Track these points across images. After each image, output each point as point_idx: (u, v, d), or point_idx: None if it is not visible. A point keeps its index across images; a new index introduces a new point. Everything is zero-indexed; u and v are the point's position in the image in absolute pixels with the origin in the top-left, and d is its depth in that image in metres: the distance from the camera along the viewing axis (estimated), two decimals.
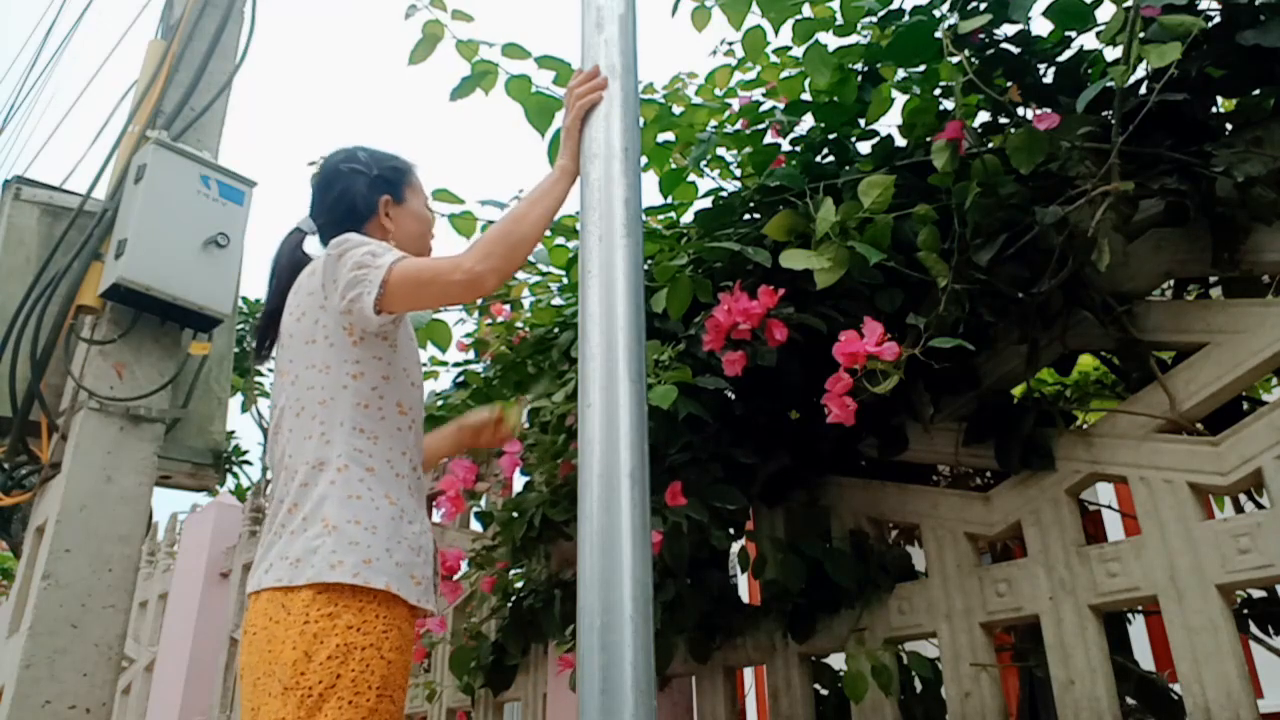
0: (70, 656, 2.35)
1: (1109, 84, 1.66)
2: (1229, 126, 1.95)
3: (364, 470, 1.42)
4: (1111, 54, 1.83)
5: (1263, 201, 1.77)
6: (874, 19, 2.18)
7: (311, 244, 1.66)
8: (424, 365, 2.85)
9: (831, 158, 2.30)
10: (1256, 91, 1.91)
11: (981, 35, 1.98)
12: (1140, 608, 2.14)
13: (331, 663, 1.28)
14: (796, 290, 2.01)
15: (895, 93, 2.20)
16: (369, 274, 1.41)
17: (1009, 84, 1.98)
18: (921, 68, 2.16)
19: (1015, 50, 2.02)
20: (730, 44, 2.66)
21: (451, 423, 1.89)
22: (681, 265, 2.12)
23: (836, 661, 2.32)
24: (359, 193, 1.62)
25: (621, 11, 1.53)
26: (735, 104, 2.61)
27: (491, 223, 2.63)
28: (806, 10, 2.23)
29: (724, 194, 2.46)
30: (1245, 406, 2.11)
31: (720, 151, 2.51)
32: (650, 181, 2.52)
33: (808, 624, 2.27)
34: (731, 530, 2.33)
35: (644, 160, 2.50)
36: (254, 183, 2.82)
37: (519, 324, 2.72)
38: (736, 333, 1.95)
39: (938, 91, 2.18)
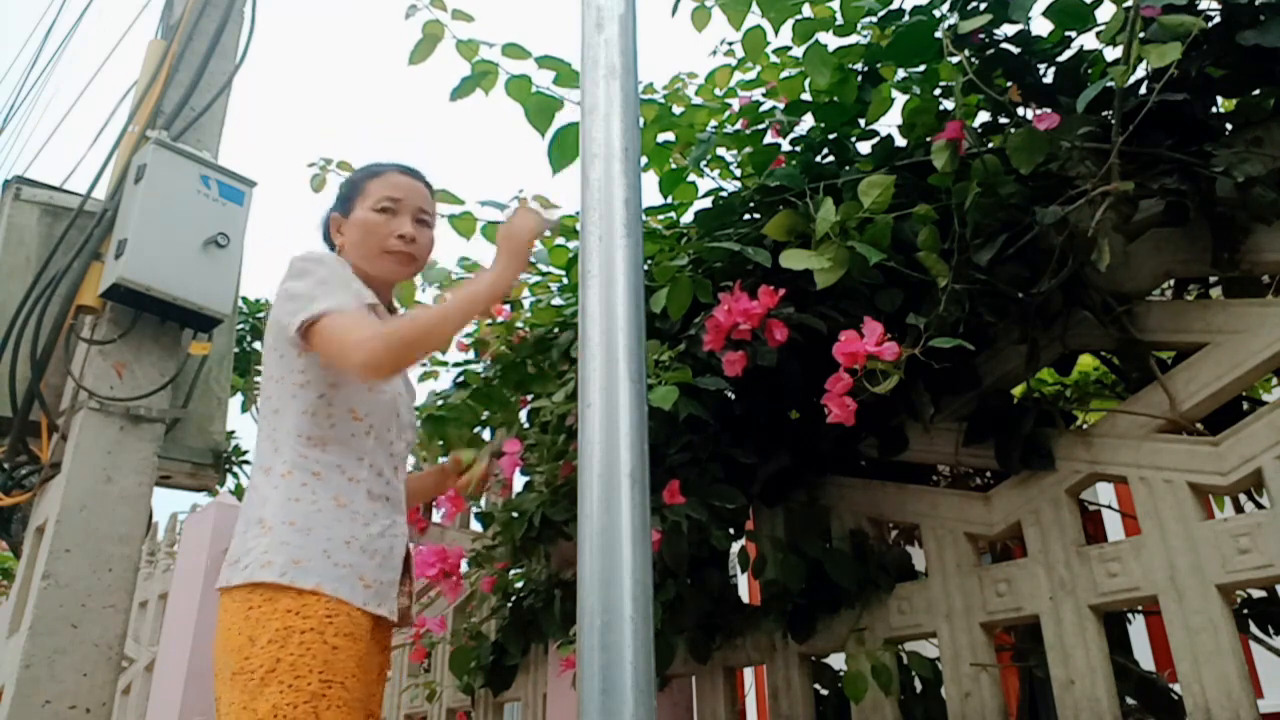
0: (70, 656, 2.35)
1: (1109, 84, 1.66)
2: (1229, 126, 1.95)
3: (309, 475, 1.46)
4: (1111, 54, 1.83)
5: (1263, 201, 1.77)
6: (874, 19, 2.18)
7: None
8: (424, 365, 2.87)
9: (831, 158, 2.30)
10: (1256, 91, 1.91)
11: (981, 35, 1.98)
12: (1140, 608, 2.14)
13: (272, 646, 1.30)
14: (796, 290, 2.01)
15: (895, 93, 2.20)
16: (300, 305, 1.48)
17: (1009, 84, 1.98)
18: (921, 68, 2.16)
19: (1015, 50, 2.02)
20: (730, 44, 2.66)
21: (435, 466, 1.92)
22: (681, 265, 2.12)
23: (836, 661, 2.32)
24: (325, 218, 1.72)
25: (621, 11, 1.53)
26: (735, 104, 2.61)
27: (491, 223, 2.64)
28: (806, 10, 2.23)
29: (724, 194, 2.45)
30: (1245, 406, 2.11)
31: (720, 151, 2.51)
32: (650, 181, 2.52)
33: (808, 624, 2.27)
34: (731, 530, 2.33)
35: (644, 160, 2.50)
36: (254, 183, 2.82)
37: (519, 324, 2.72)
38: (736, 333, 1.95)
39: (938, 91, 2.18)
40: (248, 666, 1.30)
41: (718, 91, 2.71)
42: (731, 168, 2.55)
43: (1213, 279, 2.19)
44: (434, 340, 1.46)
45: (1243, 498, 2.26)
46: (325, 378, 1.51)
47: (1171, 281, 2.19)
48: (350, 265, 1.61)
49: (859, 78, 2.24)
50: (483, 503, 3.40)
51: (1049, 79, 2.04)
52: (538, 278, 2.79)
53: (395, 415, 1.59)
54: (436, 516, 3.60)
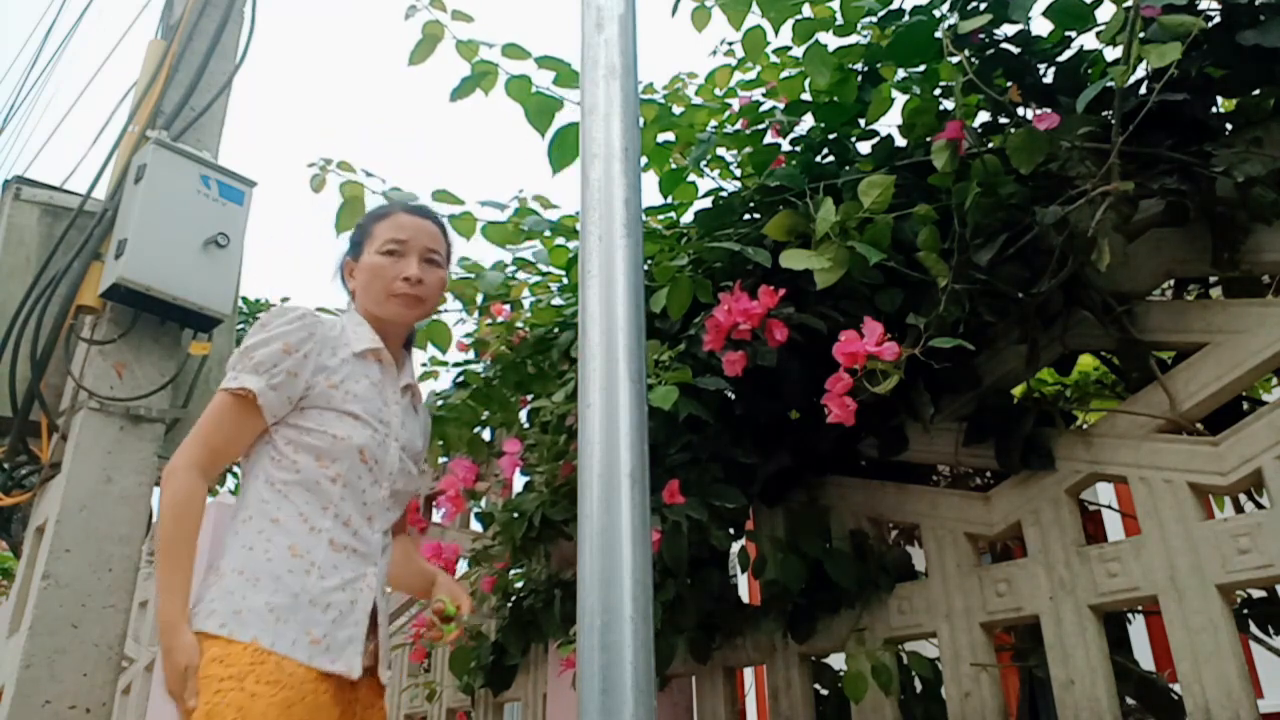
0: (70, 656, 2.35)
1: (1109, 84, 1.66)
2: (1229, 126, 1.95)
3: (268, 522, 1.44)
4: (1111, 54, 1.83)
5: (1263, 201, 1.77)
6: (874, 19, 2.18)
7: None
8: (424, 365, 2.87)
9: (831, 158, 2.30)
10: (1256, 91, 1.91)
11: (981, 35, 1.98)
12: (1140, 608, 2.14)
13: (203, 694, 1.31)
14: (796, 290, 2.01)
15: (895, 93, 2.20)
16: (230, 367, 1.50)
17: (1009, 84, 1.98)
18: (921, 68, 2.16)
19: (1015, 50, 2.02)
20: (730, 44, 2.66)
21: (428, 571, 1.76)
22: (681, 265, 2.12)
23: (836, 661, 2.32)
24: (340, 263, 1.72)
25: (621, 11, 1.53)
26: (735, 104, 2.61)
27: (492, 223, 2.64)
28: (806, 10, 2.23)
29: (724, 194, 2.45)
30: (1245, 406, 2.11)
31: (720, 151, 2.51)
32: (650, 181, 2.52)
33: (808, 624, 2.27)
34: (731, 530, 2.33)
35: (644, 160, 2.50)
36: (254, 183, 2.82)
37: (519, 324, 2.72)
38: (736, 333, 1.95)
39: (938, 91, 2.18)
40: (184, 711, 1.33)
41: (718, 91, 2.72)
42: (731, 168, 2.55)
43: (1213, 279, 2.19)
44: (162, 535, 1.41)
45: (1243, 498, 2.26)
46: (291, 422, 1.50)
47: (1171, 281, 2.19)
48: (360, 309, 1.62)
49: (859, 78, 2.24)
50: (483, 503, 3.40)
51: (1049, 79, 2.04)
52: (538, 278, 2.79)
53: (372, 463, 1.52)
54: (437, 516, 3.60)
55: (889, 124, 2.29)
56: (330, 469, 1.49)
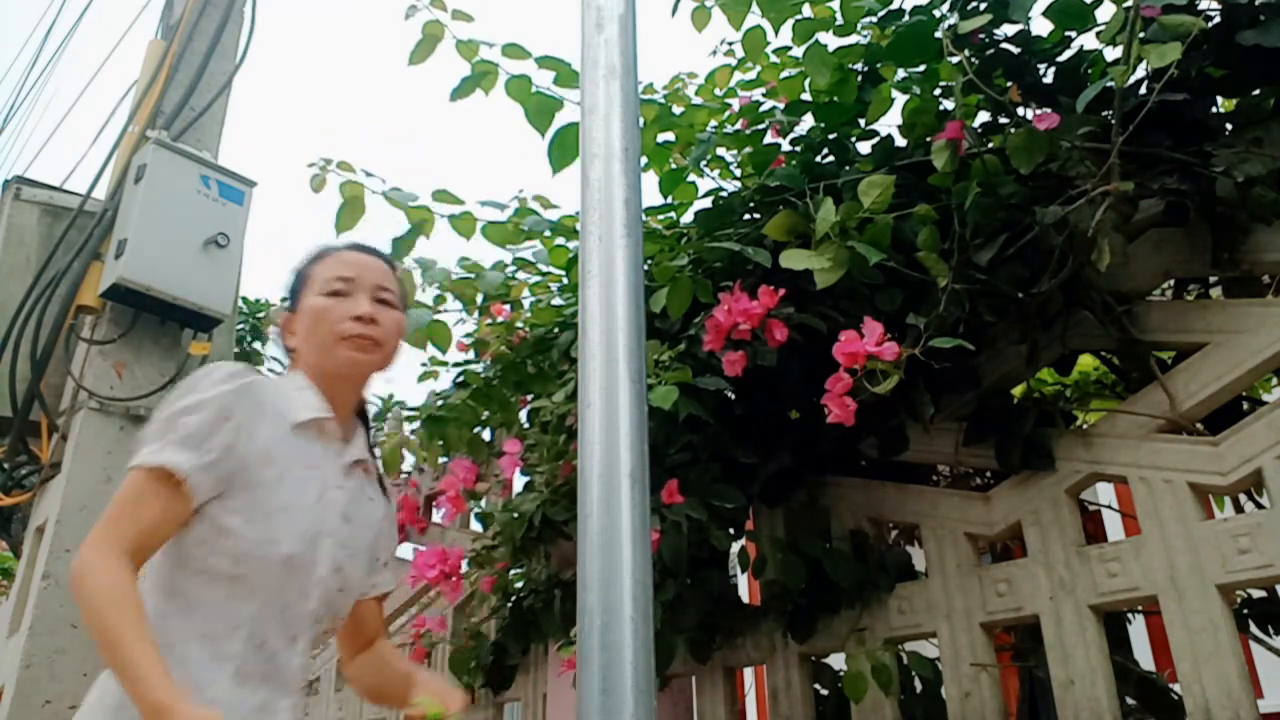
0: (70, 656, 2.35)
1: (1109, 84, 1.66)
2: (1229, 126, 1.95)
3: (161, 645, 1.13)
4: (1111, 54, 1.83)
5: (1263, 201, 1.77)
6: (874, 19, 2.18)
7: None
8: (424, 365, 2.87)
9: (831, 158, 2.30)
10: (1256, 91, 1.91)
11: (981, 35, 1.98)
12: (1140, 608, 2.15)
13: None
14: (796, 290, 2.01)
15: (895, 93, 2.20)
16: (144, 439, 1.23)
17: (1009, 84, 1.98)
18: (921, 68, 2.16)
19: (1015, 50, 2.02)
20: (730, 44, 2.66)
21: (407, 675, 1.46)
22: (681, 265, 2.12)
23: (836, 661, 2.32)
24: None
25: (621, 11, 1.53)
26: (735, 104, 2.61)
27: (492, 223, 2.64)
28: (806, 10, 2.23)
29: (724, 194, 2.46)
30: (1245, 406, 2.11)
31: (720, 151, 2.51)
32: (650, 181, 2.52)
33: (808, 624, 2.27)
34: (731, 530, 2.33)
35: (644, 160, 2.50)
36: (254, 183, 2.82)
37: (519, 324, 2.72)
38: (736, 333, 1.95)
39: (938, 91, 2.18)
40: None
41: (718, 91, 2.71)
42: (731, 168, 2.55)
43: (1213, 279, 2.19)
44: (90, 622, 1.12)
45: (1243, 498, 2.26)
46: (204, 518, 1.21)
47: (1171, 281, 2.19)
48: (304, 367, 1.35)
49: (859, 78, 2.24)
50: (483, 503, 3.40)
51: (1049, 79, 2.04)
52: (538, 278, 2.80)
53: (300, 570, 1.24)
54: (437, 516, 3.60)
55: (889, 124, 2.29)
56: (249, 577, 1.21)
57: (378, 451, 1.51)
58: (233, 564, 1.21)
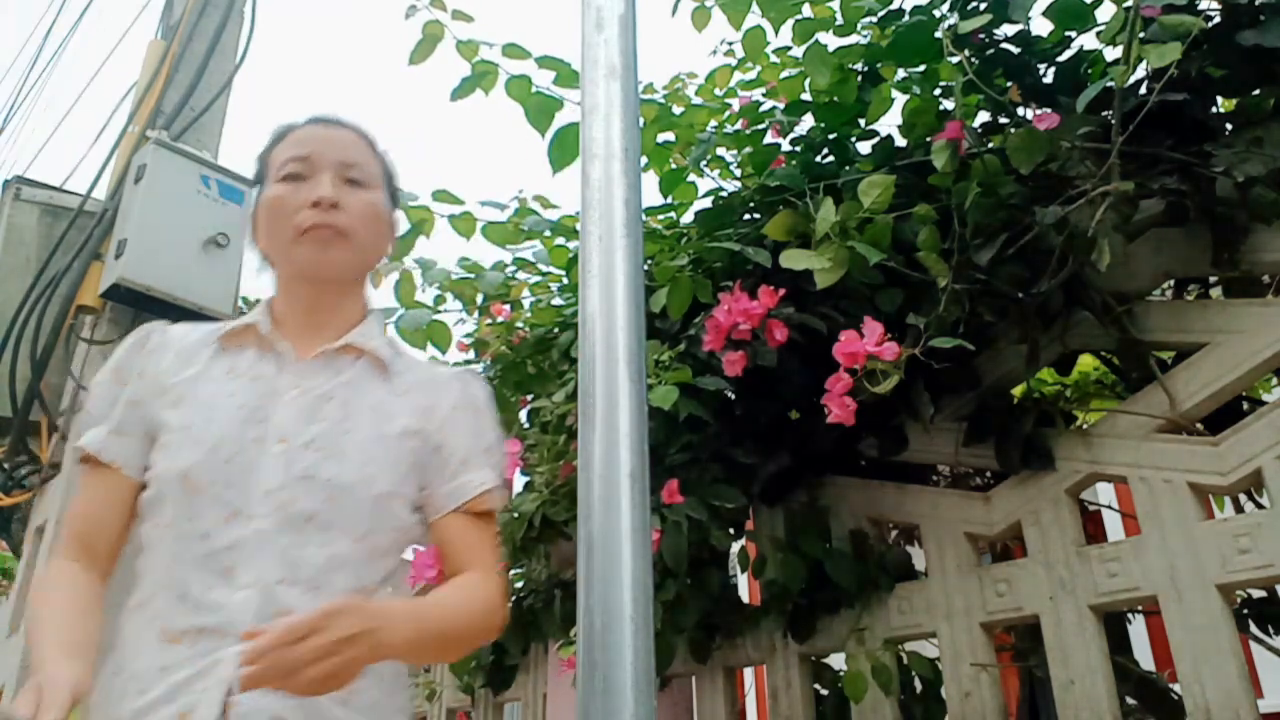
0: None
1: (1109, 84, 1.66)
2: (1229, 126, 1.95)
3: (113, 635, 1.03)
4: (1111, 54, 1.83)
5: (1263, 201, 1.77)
6: (874, 19, 2.18)
7: None
8: None
9: (831, 158, 2.30)
10: (1256, 91, 1.91)
11: (981, 35, 1.98)
12: (1140, 608, 2.14)
13: None
14: (796, 290, 2.01)
15: (895, 93, 2.20)
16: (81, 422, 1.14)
17: (1009, 84, 1.98)
18: (921, 68, 2.16)
19: (1015, 50, 2.02)
20: (730, 44, 2.66)
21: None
22: (681, 265, 2.12)
23: (836, 661, 2.32)
24: None
25: (621, 11, 1.53)
26: (735, 104, 2.61)
27: (491, 223, 2.64)
28: (806, 10, 2.23)
29: (724, 194, 2.45)
30: (1245, 406, 2.11)
31: (720, 151, 2.51)
32: (650, 181, 2.52)
33: (808, 624, 2.27)
34: (731, 530, 2.33)
35: (644, 160, 2.50)
36: (254, 183, 2.81)
37: (519, 324, 2.72)
38: (736, 333, 1.95)
39: (938, 91, 2.18)
40: None
41: (718, 91, 2.71)
42: (731, 168, 2.55)
43: (1213, 279, 2.18)
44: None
45: (1243, 498, 2.26)
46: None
47: (1171, 281, 2.19)
48: (274, 276, 1.18)
49: (859, 78, 2.24)
50: None
51: (1049, 79, 2.04)
52: (538, 278, 2.80)
53: (214, 485, 1.02)
54: None
55: (889, 124, 2.29)
56: (155, 516, 1.04)
57: (398, 343, 1.24)
58: (148, 515, 1.06)
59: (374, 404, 1.12)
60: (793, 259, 1.79)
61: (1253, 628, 2.28)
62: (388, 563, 1.10)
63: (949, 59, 1.92)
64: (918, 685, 2.17)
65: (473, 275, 2.69)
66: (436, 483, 1.14)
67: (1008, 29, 2.01)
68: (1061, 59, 2.03)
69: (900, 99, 2.20)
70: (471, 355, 2.81)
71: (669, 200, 2.58)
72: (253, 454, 1.03)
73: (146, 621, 1.00)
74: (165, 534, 1.02)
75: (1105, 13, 2.09)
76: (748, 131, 2.38)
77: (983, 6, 1.94)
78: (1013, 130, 1.89)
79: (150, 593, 1.02)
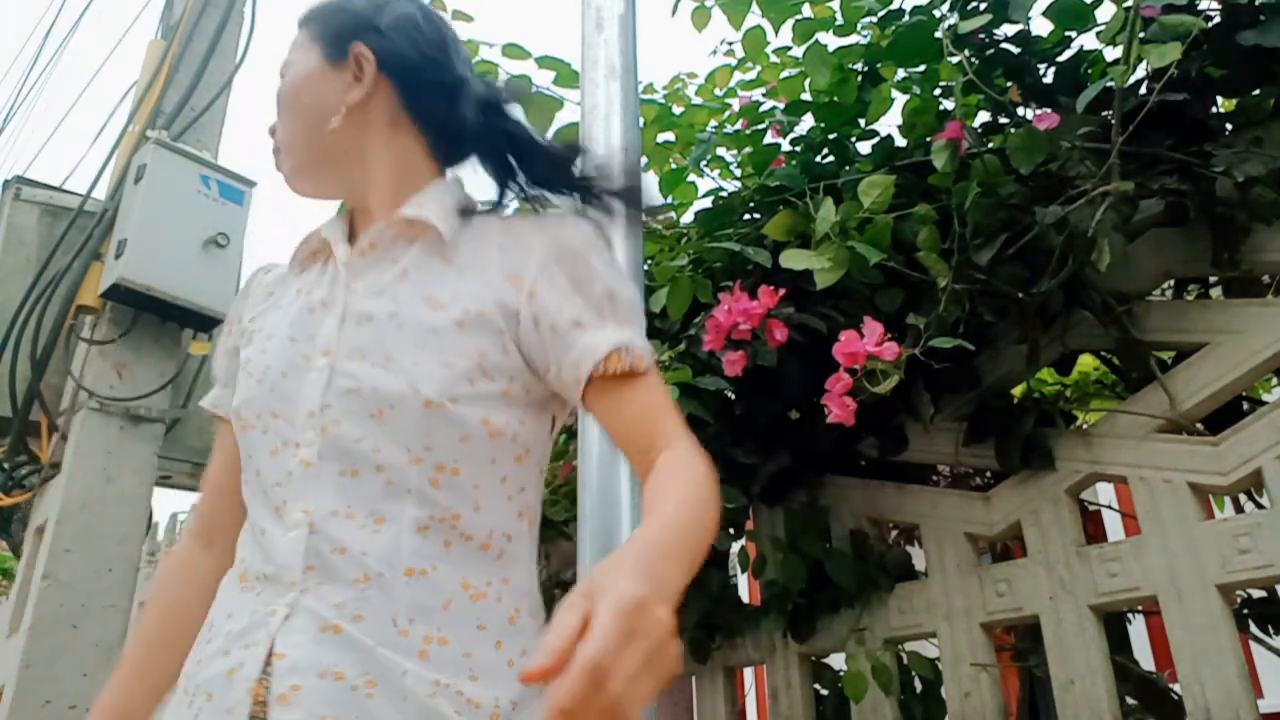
0: (70, 656, 2.36)
1: (1109, 84, 1.66)
2: (1229, 126, 1.95)
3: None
4: (1111, 54, 1.83)
5: (1263, 201, 1.77)
6: (874, 19, 2.18)
7: None
8: None
9: (831, 158, 2.30)
10: (1256, 91, 1.91)
11: (981, 35, 1.98)
12: (1140, 608, 2.14)
13: None
14: (796, 290, 2.01)
15: (895, 93, 2.20)
16: None
17: (1009, 84, 1.98)
18: (921, 68, 2.16)
19: (1015, 50, 2.02)
20: (730, 44, 2.66)
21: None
22: (681, 265, 2.12)
23: (836, 661, 2.32)
24: None
25: (621, 11, 1.53)
26: (735, 104, 2.61)
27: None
28: (806, 10, 2.23)
29: (724, 194, 2.46)
30: (1245, 406, 2.11)
31: (720, 151, 2.51)
32: (650, 182, 2.52)
33: (808, 624, 2.27)
34: (732, 530, 2.33)
35: (644, 160, 2.50)
36: (254, 183, 2.82)
37: None
38: (736, 333, 1.95)
39: (938, 91, 2.18)
40: None
41: (718, 91, 2.71)
42: (731, 168, 2.55)
43: (1213, 279, 2.18)
44: None
45: (1243, 498, 2.26)
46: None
47: (1171, 281, 2.19)
48: None
49: (859, 78, 2.24)
50: None
51: (1049, 79, 2.03)
52: None
53: (260, 418, 0.92)
54: None
55: (889, 124, 2.30)
56: (243, 460, 0.97)
57: (450, 219, 1.01)
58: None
59: (429, 291, 0.92)
60: (793, 259, 1.79)
61: (1253, 628, 2.28)
62: (469, 482, 0.89)
63: (949, 59, 1.92)
64: (918, 685, 2.17)
65: None
66: (556, 360, 0.91)
67: (1008, 29, 2.01)
68: (1061, 59, 2.03)
69: (900, 99, 2.21)
70: None
71: (669, 200, 2.58)
72: (297, 376, 0.90)
73: (236, 566, 0.92)
74: (247, 478, 0.95)
75: (1105, 13, 2.09)
76: (748, 131, 2.39)
77: (983, 6, 1.94)
78: (1013, 130, 1.89)
79: (244, 537, 0.94)
